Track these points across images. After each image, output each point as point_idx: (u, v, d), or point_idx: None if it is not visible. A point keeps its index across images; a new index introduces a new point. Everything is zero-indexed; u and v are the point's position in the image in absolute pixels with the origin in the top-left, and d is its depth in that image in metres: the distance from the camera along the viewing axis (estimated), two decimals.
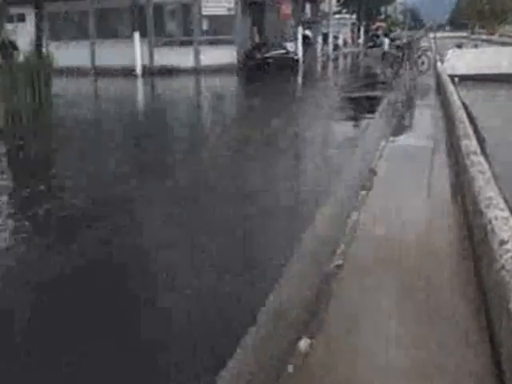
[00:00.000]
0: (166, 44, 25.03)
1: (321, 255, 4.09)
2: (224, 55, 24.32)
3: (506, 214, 3.76)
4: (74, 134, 9.94)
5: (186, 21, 25.27)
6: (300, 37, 29.04)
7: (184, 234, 4.58)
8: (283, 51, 24.83)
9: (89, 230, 4.68)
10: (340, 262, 3.88)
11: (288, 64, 24.78)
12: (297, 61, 25.79)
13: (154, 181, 6.29)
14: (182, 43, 24.97)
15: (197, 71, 23.58)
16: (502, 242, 3.27)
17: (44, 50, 15.86)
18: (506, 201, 4.35)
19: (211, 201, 5.49)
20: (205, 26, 25.00)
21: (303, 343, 2.90)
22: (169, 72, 22.89)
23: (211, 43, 24.82)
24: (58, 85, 15.09)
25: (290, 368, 2.70)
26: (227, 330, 3.04)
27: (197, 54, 24.73)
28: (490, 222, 3.64)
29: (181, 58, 24.08)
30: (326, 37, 37.53)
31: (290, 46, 26.64)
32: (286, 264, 3.79)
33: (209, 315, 3.23)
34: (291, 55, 26.22)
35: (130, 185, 6.08)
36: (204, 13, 24.70)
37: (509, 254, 3.07)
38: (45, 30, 20.16)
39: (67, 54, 21.72)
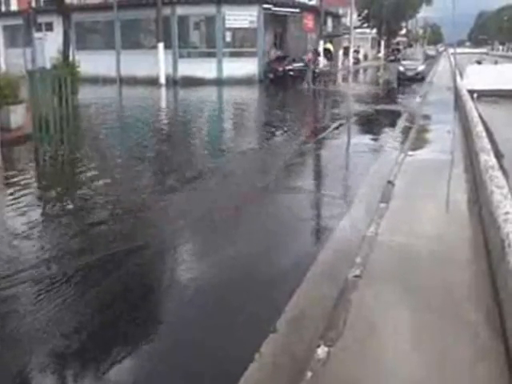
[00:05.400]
0: (189, 55, 25.47)
1: (340, 265, 4.18)
2: (246, 67, 24.64)
3: None
4: (96, 142, 10.31)
5: (209, 33, 25.71)
6: (322, 50, 29.30)
7: None
8: (304, 64, 25.05)
9: None
10: (358, 272, 3.96)
11: (319, 76, 25.10)
12: (318, 74, 25.99)
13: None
14: (206, 54, 25.41)
15: (219, 82, 23.94)
16: None
17: (71, 58, 16.32)
18: None
19: None
20: (228, 38, 25.40)
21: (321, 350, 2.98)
22: (192, 82, 23.27)
23: (233, 55, 25.19)
24: (85, 92, 15.54)
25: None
26: None
27: (219, 66, 25.11)
28: (507, 236, 3.71)
29: (204, 68, 24.48)
30: (346, 50, 37.74)
31: (320, 59, 27.01)
32: None
33: None
34: (321, 67, 26.59)
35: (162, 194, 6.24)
36: (227, 25, 25.10)
37: None
38: (72, 39, 20.72)
39: (93, 62, 22.26)
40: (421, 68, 25.47)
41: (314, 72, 23.98)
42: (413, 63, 25.70)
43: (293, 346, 3.15)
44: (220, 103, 19.37)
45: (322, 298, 3.65)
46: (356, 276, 3.90)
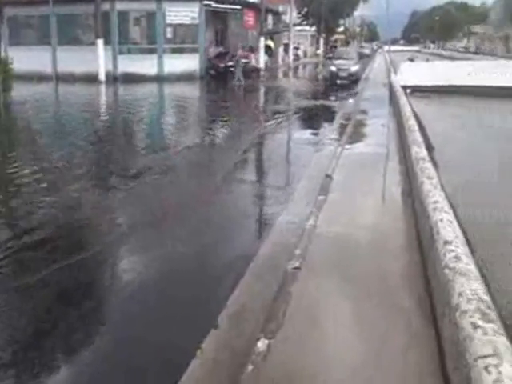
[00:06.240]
0: (130, 51, 24.94)
1: (280, 257, 4.25)
2: (187, 63, 24.44)
3: (451, 216, 4.05)
4: (27, 140, 9.92)
5: (150, 28, 25.28)
6: (262, 47, 29.52)
7: None
8: (245, 60, 25.12)
9: None
10: (297, 264, 4.03)
11: (251, 73, 25.17)
12: (259, 70, 26.19)
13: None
14: (146, 51, 24.96)
15: (160, 78, 23.61)
16: (446, 243, 3.53)
17: (3, 54, 15.59)
18: (451, 204, 4.67)
19: None
20: (169, 34, 25.08)
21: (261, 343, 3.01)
22: (132, 79, 22.81)
23: (175, 51, 24.90)
24: (19, 90, 14.89)
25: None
26: None
27: (160, 62, 24.75)
28: (435, 224, 3.91)
29: (144, 65, 24.04)
30: (287, 47, 38.24)
31: (252, 55, 27.09)
32: None
33: None
34: (253, 64, 26.67)
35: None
36: (168, 21, 24.78)
37: (452, 254, 3.33)
38: (4, 35, 19.77)
39: (28, 59, 21.32)
40: (354, 68, 22.90)
41: (244, 68, 23.89)
42: (346, 63, 23.07)
43: (233, 341, 3.18)
44: (161, 100, 19.14)
45: (263, 291, 3.69)
46: (295, 268, 3.96)
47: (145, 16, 25.46)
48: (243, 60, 24.87)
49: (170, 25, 24.92)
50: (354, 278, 3.84)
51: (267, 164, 8.77)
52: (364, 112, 13.22)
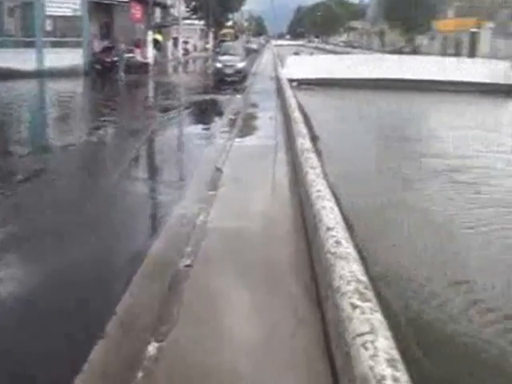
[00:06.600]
0: (3, 44, 22.98)
1: (171, 256, 4.16)
2: (70, 58, 23.05)
3: (332, 204, 4.26)
4: None
5: (27, 20, 23.44)
6: (150, 41, 28.82)
7: None
8: (131, 55, 24.35)
9: None
10: (189, 261, 3.98)
11: (138, 68, 24.43)
12: (147, 64, 25.54)
13: None
14: (23, 44, 23.19)
15: (40, 74, 21.99)
16: (328, 229, 3.71)
17: None
18: (333, 192, 4.92)
19: None
20: (49, 27, 23.49)
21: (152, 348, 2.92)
22: (7, 74, 21.00)
23: (56, 45, 23.36)
24: None
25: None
26: None
27: (39, 56, 23.12)
28: (318, 211, 4.09)
29: (21, 59, 22.21)
30: (176, 41, 37.74)
31: (138, 50, 26.33)
32: None
33: None
34: (141, 59, 25.93)
35: None
36: (48, 13, 23.18)
37: (333, 239, 3.50)
38: None
39: None
40: (241, 65, 21.41)
41: (129, 63, 23.17)
42: (232, 59, 21.46)
43: (123, 349, 3.02)
44: (41, 97, 17.92)
45: (154, 293, 3.58)
46: (187, 265, 3.92)
47: (21, 6, 23.62)
48: (128, 55, 24.04)
49: (50, 16, 23.34)
50: (244, 269, 3.89)
51: (159, 161, 8.58)
52: (253, 105, 13.46)
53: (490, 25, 38.42)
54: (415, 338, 3.58)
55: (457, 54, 40.73)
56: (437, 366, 3.39)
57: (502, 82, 20.73)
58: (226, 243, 4.40)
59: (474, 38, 41.39)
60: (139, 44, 27.79)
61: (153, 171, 7.99)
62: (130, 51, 25.07)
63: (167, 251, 4.33)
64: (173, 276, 3.76)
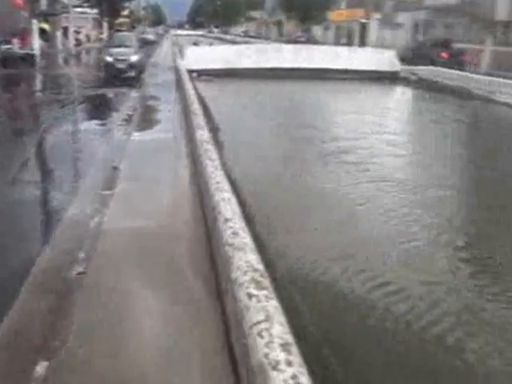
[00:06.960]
0: None
1: (62, 264, 3.86)
2: None
3: (230, 195, 4.30)
4: None
5: None
6: (36, 30, 26.93)
7: None
8: (8, 46, 22.38)
9: None
10: (81, 268, 3.75)
11: (17, 61, 22.44)
12: (33, 57, 23.73)
13: None
14: None
15: None
16: (226, 220, 3.74)
17: None
18: (231, 182, 4.96)
19: None
20: None
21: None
22: None
23: None
24: None
25: None
26: None
27: None
28: (217, 203, 4.11)
29: None
30: (66, 31, 35.74)
31: (17, 40, 24.21)
32: None
33: None
34: (20, 50, 23.80)
35: None
36: None
37: (231, 230, 3.53)
38: None
39: None
40: (135, 58, 18.82)
41: (6, 54, 21.35)
42: (125, 51, 18.94)
43: (8, 373, 2.73)
44: None
45: (42, 307, 3.29)
46: (80, 273, 3.68)
47: None
48: (4, 46, 22.02)
49: None
50: (142, 269, 3.77)
51: (52, 162, 8.04)
52: (152, 98, 13.13)
53: (378, 16, 40.60)
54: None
55: (349, 43, 42.78)
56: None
57: (387, 69, 22.22)
58: (123, 244, 4.20)
59: (363, 28, 43.57)
60: (24, 34, 25.77)
61: (44, 174, 7.47)
62: (8, 42, 23.06)
63: (58, 259, 3.99)
64: (64, 286, 3.50)
